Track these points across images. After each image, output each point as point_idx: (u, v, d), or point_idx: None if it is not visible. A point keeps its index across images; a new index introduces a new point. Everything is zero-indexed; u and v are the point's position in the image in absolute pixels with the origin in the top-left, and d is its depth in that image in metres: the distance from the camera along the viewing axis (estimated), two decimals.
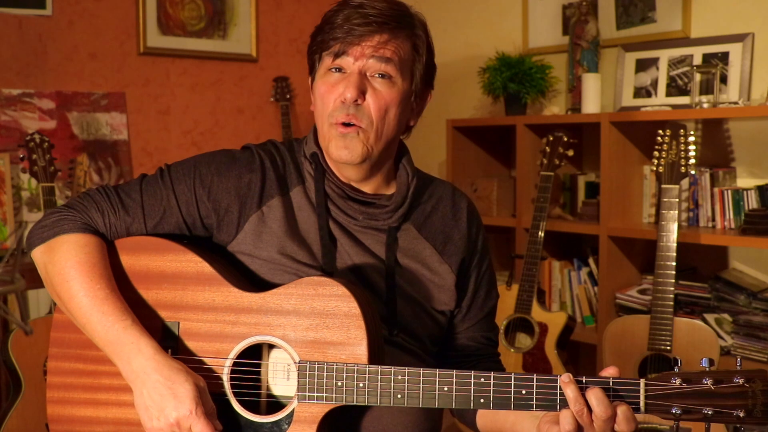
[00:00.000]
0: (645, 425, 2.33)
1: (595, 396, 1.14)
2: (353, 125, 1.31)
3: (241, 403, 1.27)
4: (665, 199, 2.45)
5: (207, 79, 3.87)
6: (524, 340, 2.87)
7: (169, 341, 1.29)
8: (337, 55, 1.30)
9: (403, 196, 1.40)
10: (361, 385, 1.21)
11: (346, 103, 1.30)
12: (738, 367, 1.17)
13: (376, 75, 1.31)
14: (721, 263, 2.99)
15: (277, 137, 4.00)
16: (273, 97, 4.04)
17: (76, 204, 1.36)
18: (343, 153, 1.32)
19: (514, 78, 3.29)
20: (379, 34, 1.29)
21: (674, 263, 2.40)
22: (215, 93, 3.90)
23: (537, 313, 2.81)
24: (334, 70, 1.32)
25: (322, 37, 1.33)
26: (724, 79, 2.90)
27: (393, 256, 1.38)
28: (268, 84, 4.04)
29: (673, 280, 2.40)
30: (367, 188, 1.41)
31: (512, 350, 2.83)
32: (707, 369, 1.17)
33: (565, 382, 1.16)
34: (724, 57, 2.91)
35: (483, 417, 1.41)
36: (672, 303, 2.39)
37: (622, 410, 1.15)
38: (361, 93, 1.30)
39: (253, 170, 1.37)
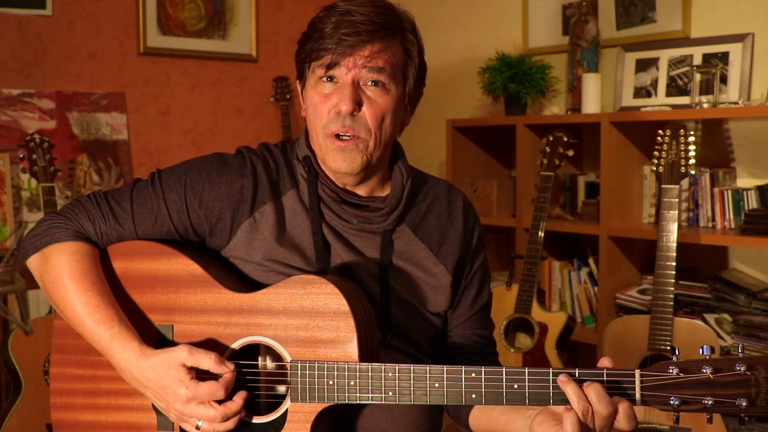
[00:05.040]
0: (645, 425, 2.33)
1: (595, 392, 1.12)
2: (351, 138, 1.30)
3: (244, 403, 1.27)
4: (665, 199, 2.45)
5: (207, 79, 3.87)
6: (524, 340, 2.87)
7: (164, 345, 1.30)
8: (329, 67, 1.29)
9: (398, 198, 1.39)
10: (352, 383, 1.20)
11: (341, 114, 1.29)
12: (740, 355, 1.13)
13: (369, 83, 1.30)
14: (721, 263, 2.99)
15: (277, 137, 4.00)
16: (273, 97, 4.04)
17: (68, 211, 1.36)
18: (342, 165, 1.31)
19: (514, 78, 3.29)
20: (371, 44, 1.28)
21: (674, 263, 2.40)
22: (215, 93, 3.90)
23: (537, 313, 2.81)
24: (326, 79, 1.30)
25: (311, 46, 1.30)
26: (724, 79, 2.90)
27: (387, 259, 1.37)
28: (268, 84, 4.04)
29: (673, 280, 2.40)
30: (362, 191, 1.39)
31: (512, 350, 2.83)
32: (707, 357, 1.13)
33: (564, 382, 1.13)
34: (724, 57, 2.91)
35: (476, 419, 1.40)
36: (672, 303, 2.39)
37: (623, 408, 1.12)
38: (357, 104, 1.29)
39: (244, 176, 1.36)
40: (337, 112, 1.29)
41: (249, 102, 4.01)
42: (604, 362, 1.16)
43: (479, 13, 3.79)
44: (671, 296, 2.39)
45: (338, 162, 1.31)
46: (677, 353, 1.17)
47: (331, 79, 1.30)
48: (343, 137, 1.30)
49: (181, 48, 3.75)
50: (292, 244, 1.34)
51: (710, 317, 2.74)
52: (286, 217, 1.36)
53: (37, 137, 2.75)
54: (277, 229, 1.34)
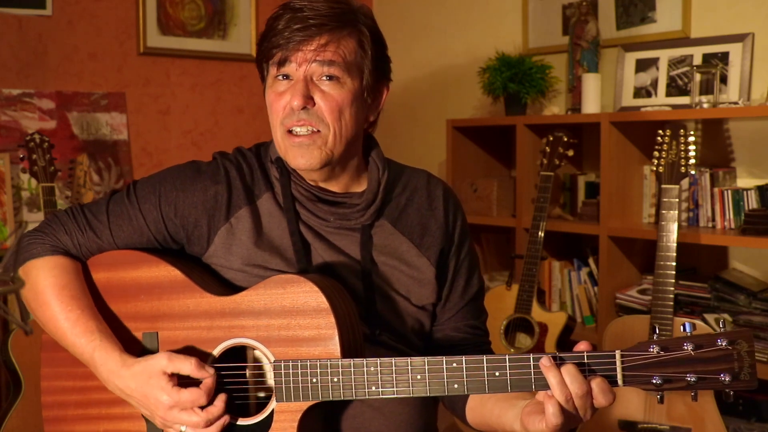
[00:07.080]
0: (645, 425, 2.33)
1: (568, 373, 1.12)
2: (309, 133, 1.29)
3: (226, 406, 1.27)
4: (665, 199, 2.45)
5: (207, 79, 3.87)
6: (524, 340, 2.87)
7: (149, 352, 1.30)
8: (280, 64, 1.29)
9: (374, 192, 1.38)
10: (335, 380, 1.20)
11: (294, 109, 1.28)
12: (721, 330, 1.12)
13: (323, 78, 1.29)
14: (721, 263, 2.99)
15: None
16: None
17: (45, 227, 1.37)
18: (301, 161, 1.30)
19: (514, 78, 3.29)
20: (319, 37, 1.27)
21: (674, 263, 2.40)
22: (215, 93, 3.90)
23: (537, 313, 2.81)
24: (281, 77, 1.30)
25: (266, 45, 1.31)
26: (724, 79, 2.90)
27: (368, 255, 1.36)
28: None
29: (673, 280, 2.40)
30: (336, 187, 1.38)
31: (512, 350, 2.83)
32: (688, 334, 1.12)
33: (547, 367, 1.13)
34: (724, 57, 2.91)
35: (472, 410, 1.39)
36: (672, 303, 2.39)
37: (597, 383, 1.12)
38: (309, 98, 1.28)
39: (218, 182, 1.36)
40: (291, 108, 1.29)
41: (249, 102, 4.01)
42: (581, 346, 1.16)
43: (479, 13, 3.79)
44: (671, 296, 2.39)
45: (297, 158, 1.30)
46: (657, 332, 1.17)
47: (286, 77, 1.30)
48: (300, 133, 1.29)
49: (181, 48, 3.75)
50: (271, 246, 1.34)
51: (710, 317, 2.74)
52: (263, 221, 1.36)
53: (37, 137, 2.75)
54: (254, 233, 1.34)
